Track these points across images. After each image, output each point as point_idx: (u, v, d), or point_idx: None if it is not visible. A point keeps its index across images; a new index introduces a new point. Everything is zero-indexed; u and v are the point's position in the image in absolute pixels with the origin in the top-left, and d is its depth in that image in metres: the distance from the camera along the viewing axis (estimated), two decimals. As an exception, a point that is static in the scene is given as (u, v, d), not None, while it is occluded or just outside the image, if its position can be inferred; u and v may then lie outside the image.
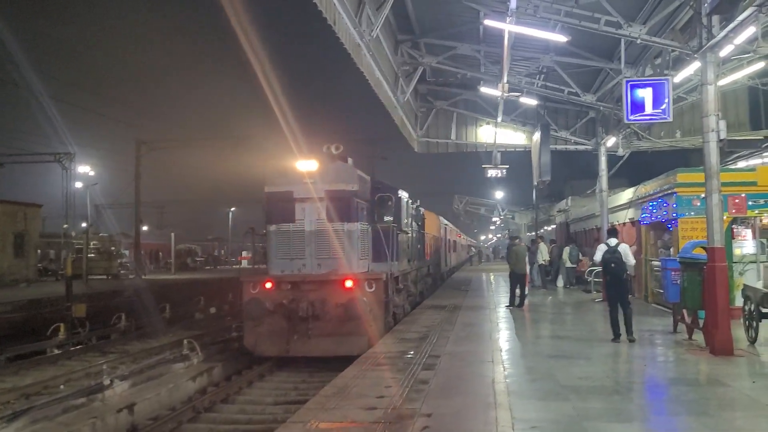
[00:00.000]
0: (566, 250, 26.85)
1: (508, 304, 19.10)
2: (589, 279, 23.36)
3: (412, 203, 20.52)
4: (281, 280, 14.04)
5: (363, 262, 14.81)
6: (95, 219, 49.87)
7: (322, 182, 14.22)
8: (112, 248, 42.74)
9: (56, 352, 17.42)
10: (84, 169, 47.45)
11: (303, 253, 14.34)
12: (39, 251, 38.41)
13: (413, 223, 20.45)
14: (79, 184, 47.15)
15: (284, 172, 14.43)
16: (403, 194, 17.60)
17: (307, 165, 14.26)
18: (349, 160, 15.05)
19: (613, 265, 13.04)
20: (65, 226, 42.20)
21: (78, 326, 20.03)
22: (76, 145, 41.96)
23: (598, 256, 13.29)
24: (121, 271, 40.72)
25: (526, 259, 20.16)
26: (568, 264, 26.30)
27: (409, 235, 19.26)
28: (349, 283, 13.78)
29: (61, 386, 13.46)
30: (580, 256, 26.60)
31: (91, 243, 39.61)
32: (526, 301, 20.19)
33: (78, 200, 46.11)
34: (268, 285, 14.04)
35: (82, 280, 30.36)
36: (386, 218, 15.50)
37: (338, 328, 13.66)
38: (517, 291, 19.12)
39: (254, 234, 16.25)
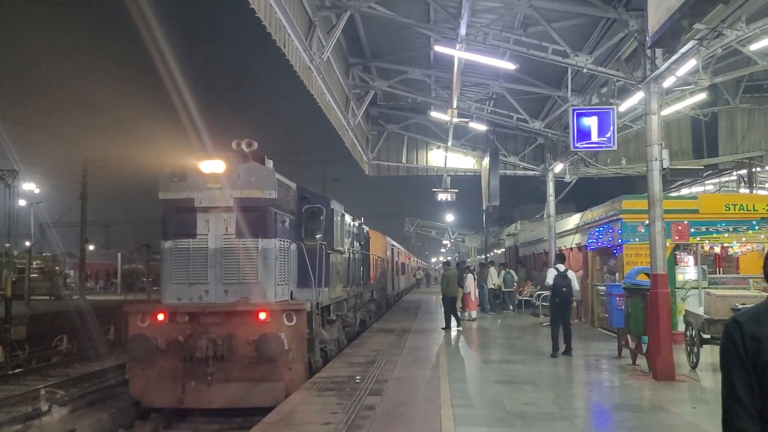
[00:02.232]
0: (502, 273, 27.16)
1: (443, 326, 19.69)
2: (537, 303, 23.54)
3: (353, 220, 18.71)
4: (176, 311, 11.21)
5: (282, 288, 12.07)
6: (39, 238, 48.42)
7: (231, 188, 11.39)
8: (56, 268, 41.46)
9: (-9, 376, 16.66)
10: (29, 186, 46.03)
11: (205, 277, 11.39)
12: (-22, 271, 36.95)
13: (354, 242, 18.60)
14: (23, 202, 45.71)
15: (182, 174, 11.44)
16: (338, 207, 15.13)
17: (211, 166, 11.38)
18: (269, 162, 12.07)
19: (564, 289, 13.92)
20: (7, 244, 40.78)
21: (17, 348, 19.26)
22: (22, 162, 40.72)
23: (550, 280, 13.82)
24: (66, 292, 39.48)
25: (457, 283, 21.21)
26: (503, 288, 26.62)
27: (347, 255, 16.88)
28: (262, 315, 11.07)
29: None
30: (514, 280, 27.02)
31: (34, 262, 38.37)
32: (474, 325, 20.51)
33: (21, 218, 44.67)
34: (160, 317, 11.19)
35: (23, 300, 29.29)
36: (316, 235, 12.93)
37: (248, 373, 10.97)
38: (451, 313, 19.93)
39: (149, 252, 12.82)
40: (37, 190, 47.93)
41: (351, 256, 17.66)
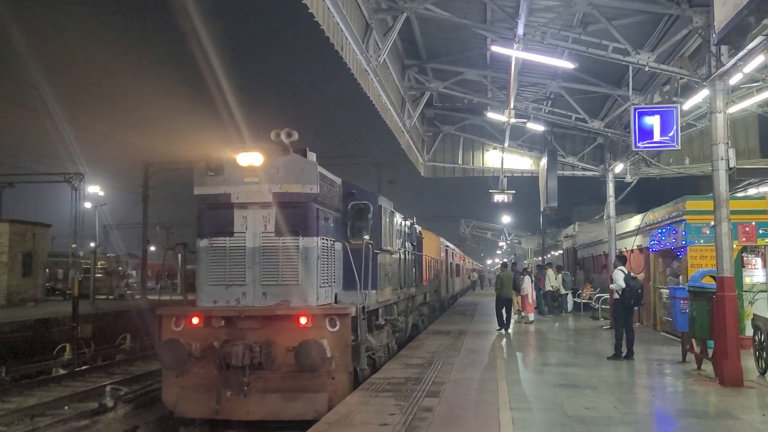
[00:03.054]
0: (559, 275, 26.85)
1: (498, 328, 19.92)
2: (596, 305, 23.18)
3: (405, 219, 17.82)
4: (212, 315, 10.60)
5: (325, 291, 11.39)
6: (103, 239, 50.01)
7: (270, 182, 10.80)
8: (119, 268, 42.78)
9: (61, 372, 17.33)
10: (93, 189, 47.57)
11: (243, 278, 10.82)
12: (47, 271, 38.48)
13: (406, 242, 17.69)
14: (88, 205, 47.24)
15: (218, 168, 10.91)
16: (386, 204, 14.20)
17: (249, 158, 10.80)
18: (311, 155, 11.39)
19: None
20: (73, 245, 42.22)
21: (84, 346, 19.96)
22: (87, 165, 42.14)
23: (621, 282, 13.61)
24: (127, 291, 40.72)
25: (513, 284, 21.27)
26: (562, 290, 26.32)
27: (397, 256, 15.92)
28: (303, 320, 10.39)
29: (66, 407, 13.37)
30: (572, 282, 26.69)
31: (99, 263, 39.65)
32: (532, 327, 20.47)
33: (86, 220, 46.17)
34: (195, 320, 10.61)
35: (88, 300, 30.33)
36: (362, 234, 12.18)
37: (287, 383, 10.32)
38: (504, 314, 20.07)
39: (185, 252, 12.05)
40: (101, 193, 49.49)
41: (402, 256, 16.78)
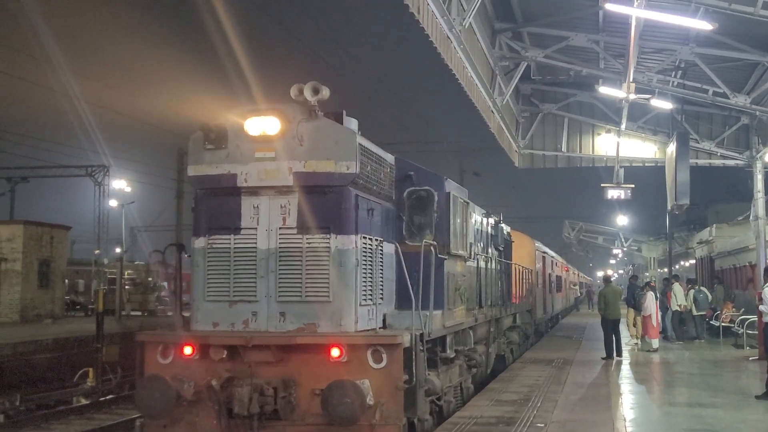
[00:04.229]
0: (691, 293, 26.26)
1: (604, 356, 19.85)
2: (740, 330, 22.58)
3: (487, 216, 16.54)
4: (211, 342, 9.27)
5: (369, 311, 9.97)
6: (130, 244, 51.51)
7: (291, 158, 9.46)
8: (149, 279, 44.00)
9: (83, 402, 18.01)
10: (119, 184, 48.90)
11: (253, 292, 9.53)
12: (66, 281, 39.96)
13: (488, 247, 16.47)
14: (113, 203, 48.73)
15: (219, 139, 9.63)
16: (457, 191, 12.31)
17: (261, 125, 9.45)
18: (350, 121, 10.02)
19: None
20: (97, 251, 43.78)
21: (109, 372, 20.65)
22: (112, 157, 43.42)
23: None
24: (159, 306, 41.79)
25: (629, 302, 22.17)
26: (695, 311, 25.75)
27: (474, 264, 14.41)
28: (335, 352, 9.05)
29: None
30: (708, 300, 26.07)
31: (126, 273, 40.93)
32: (657, 356, 20.20)
33: (111, 221, 47.62)
34: (187, 350, 9.34)
35: (114, 316, 31.37)
36: (424, 232, 10.93)
37: None
38: (613, 339, 19.99)
39: (179, 254, 11.15)
40: (128, 189, 51.09)
41: (481, 264, 15.34)
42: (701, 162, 25.44)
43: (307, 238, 9.47)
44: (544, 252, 32.43)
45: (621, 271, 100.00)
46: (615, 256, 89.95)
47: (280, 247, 9.51)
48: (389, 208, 10.96)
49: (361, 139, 9.80)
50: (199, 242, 9.78)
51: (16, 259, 33.06)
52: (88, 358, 20.84)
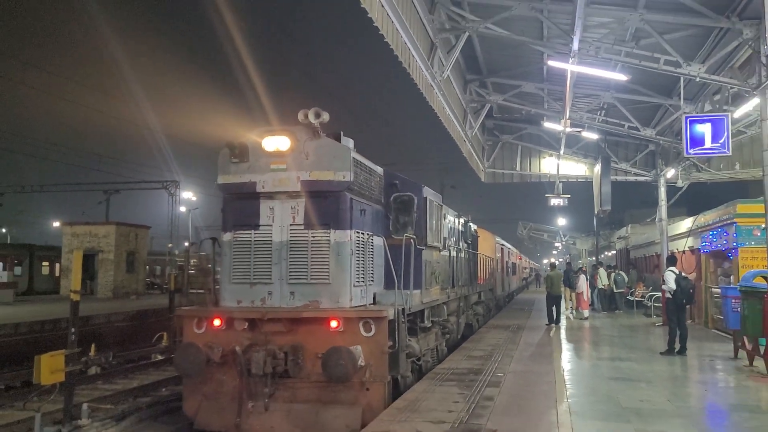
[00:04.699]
0: (612, 275, 26.25)
1: (547, 323, 19.97)
2: (649, 303, 22.56)
3: (459, 217, 16.20)
4: (234, 316, 9.18)
5: (361, 291, 9.69)
6: (197, 239, 51.51)
7: (299, 169, 9.28)
8: (209, 265, 43.90)
9: (159, 358, 17.96)
10: (187, 194, 49.18)
11: (269, 276, 9.31)
12: (147, 267, 39.99)
13: (460, 240, 16.12)
14: (182, 209, 48.88)
15: (242, 154, 9.44)
16: (432, 196, 12.10)
17: (275, 143, 9.32)
18: (347, 141, 9.64)
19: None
20: (170, 245, 43.72)
21: (178, 335, 20.61)
22: (182, 173, 43.51)
23: (672, 284, 13.24)
24: (216, 287, 41.74)
25: (566, 283, 21.66)
26: (615, 289, 25.72)
27: (447, 253, 14.05)
28: (333, 324, 8.88)
29: (163, 389, 13.86)
30: (625, 281, 26.07)
31: (192, 261, 40.90)
32: (587, 323, 20.21)
33: (181, 223, 47.75)
34: (216, 322, 9.23)
35: (182, 293, 31.36)
36: (406, 229, 10.63)
37: (317, 393, 8.84)
38: (554, 311, 20.15)
39: (213, 246, 10.70)
40: (194, 198, 51.22)
41: (454, 254, 14.95)
42: (620, 178, 25.33)
43: (311, 233, 9.25)
44: (503, 244, 31.89)
45: (561, 260, 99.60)
46: (556, 248, 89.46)
47: (290, 240, 9.30)
48: (379, 209, 10.63)
49: (355, 155, 9.50)
50: (227, 236, 9.59)
51: (110, 251, 33.09)
52: (163, 325, 20.79)
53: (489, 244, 25.12)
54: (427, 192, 11.60)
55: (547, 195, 27.08)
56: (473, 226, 19.00)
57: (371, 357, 8.82)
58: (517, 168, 27.00)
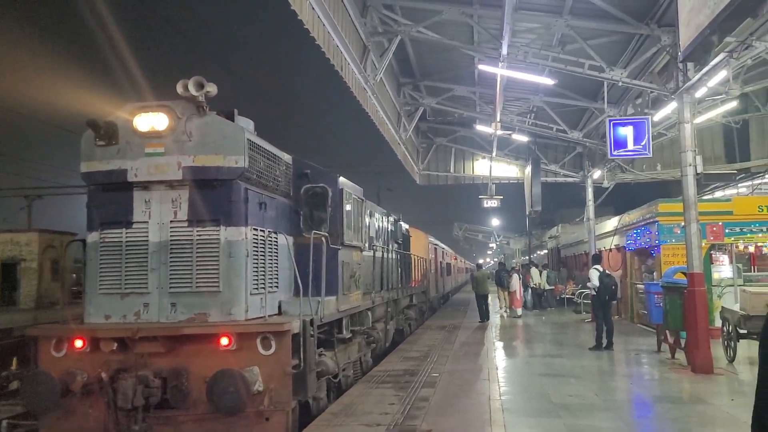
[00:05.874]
0: (544, 273, 26.92)
1: (479, 320, 20.74)
2: (579, 300, 23.20)
3: (388, 215, 15.00)
4: (99, 335, 7.27)
5: (261, 300, 7.95)
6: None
7: (180, 153, 7.52)
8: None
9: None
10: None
11: (145, 284, 7.53)
12: (74, 276, 38.41)
13: (390, 240, 14.93)
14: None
15: (109, 135, 7.64)
16: (351, 189, 10.45)
17: (149, 121, 7.56)
18: (243, 120, 8.15)
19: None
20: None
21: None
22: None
23: (596, 281, 13.68)
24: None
25: (498, 282, 22.66)
26: (547, 287, 26.43)
27: (372, 254, 12.58)
28: (224, 341, 7.17)
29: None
30: (556, 279, 26.89)
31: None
32: (520, 321, 20.67)
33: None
34: (78, 343, 7.29)
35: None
36: (320, 225, 9.05)
37: (207, 426, 7.10)
38: (484, 308, 20.98)
39: (65, 250, 8.21)
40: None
41: (381, 255, 13.52)
42: (549, 179, 25.92)
43: (197, 231, 7.53)
44: (436, 244, 30.78)
45: (496, 259, 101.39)
46: (491, 248, 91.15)
47: (171, 240, 7.54)
48: (286, 203, 9.10)
49: (250, 136, 7.88)
50: (92, 237, 7.74)
51: (33, 259, 31.61)
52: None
53: (422, 244, 24.14)
54: (345, 183, 10.06)
55: (480, 196, 27.53)
56: (404, 226, 18.10)
57: (271, 380, 7.23)
58: (452, 170, 27.34)
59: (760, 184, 26.52)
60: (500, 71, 14.86)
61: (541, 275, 26.87)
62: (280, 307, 8.48)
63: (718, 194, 22.80)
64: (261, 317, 7.83)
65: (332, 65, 12.51)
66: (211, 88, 7.29)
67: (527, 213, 26.17)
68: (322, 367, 8.52)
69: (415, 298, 20.37)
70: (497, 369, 11.59)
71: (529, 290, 26.17)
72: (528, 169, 23.50)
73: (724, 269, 15.78)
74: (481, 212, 52.00)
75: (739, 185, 26.25)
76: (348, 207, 10.08)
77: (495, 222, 61.80)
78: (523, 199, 25.72)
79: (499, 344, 15.45)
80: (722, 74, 11.37)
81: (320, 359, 8.53)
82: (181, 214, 7.56)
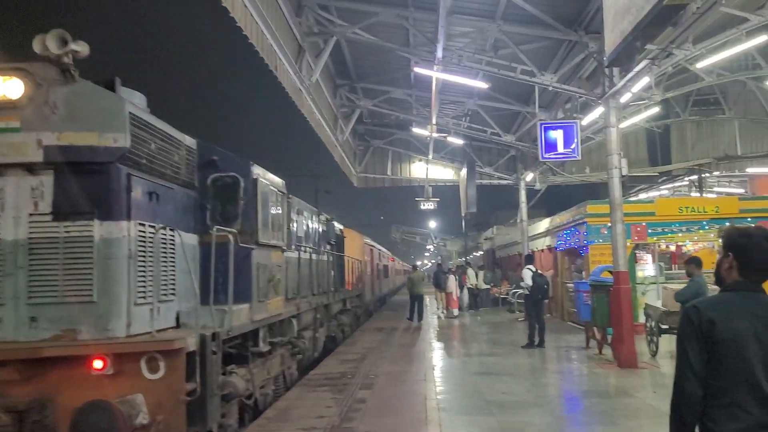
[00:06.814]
0: (480, 274, 27.38)
1: (408, 317, 21.58)
2: (513, 300, 23.62)
3: (319, 214, 14.12)
4: None
5: (149, 310, 6.20)
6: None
7: (42, 128, 5.91)
8: None
9: None
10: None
11: None
12: None
13: (321, 243, 14.09)
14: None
15: None
16: (269, 178, 8.90)
17: (2, 88, 5.94)
18: (128, 92, 6.55)
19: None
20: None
21: None
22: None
23: (528, 280, 13.97)
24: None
25: (436, 283, 23.21)
26: (483, 286, 26.88)
27: (297, 255, 11.19)
28: (98, 364, 5.69)
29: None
30: (491, 280, 27.45)
31: None
32: (456, 321, 20.91)
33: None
34: None
35: None
36: (230, 221, 7.69)
37: None
38: (416, 308, 21.43)
39: None
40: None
41: (309, 256, 12.38)
42: (484, 182, 26.28)
43: (65, 226, 5.91)
44: (372, 245, 29.30)
45: (434, 261, 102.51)
46: (429, 250, 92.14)
47: (30, 238, 5.88)
48: (188, 194, 7.58)
49: (136, 110, 6.32)
50: None
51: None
52: None
53: (357, 246, 23.23)
54: (260, 172, 8.44)
55: (417, 199, 27.78)
56: (338, 226, 17.18)
57: (160, 409, 5.78)
58: (389, 172, 27.45)
59: (680, 186, 27.84)
60: (435, 74, 15.03)
61: (477, 276, 27.25)
62: (178, 320, 6.93)
63: (642, 196, 23.74)
64: (149, 333, 6.17)
65: (266, 64, 12.34)
66: (81, 48, 5.81)
67: (463, 215, 26.56)
68: (229, 388, 7.03)
69: (349, 302, 18.93)
70: (434, 369, 11.68)
71: (466, 290, 26.47)
72: (463, 172, 23.86)
73: (647, 268, 16.40)
74: (418, 214, 52.50)
75: (661, 187, 27.44)
76: (265, 200, 8.54)
77: (432, 224, 62.58)
78: (459, 201, 26.07)
79: (436, 345, 15.57)
80: (645, 80, 11.82)
81: (227, 379, 7.08)
82: (44, 206, 5.92)
